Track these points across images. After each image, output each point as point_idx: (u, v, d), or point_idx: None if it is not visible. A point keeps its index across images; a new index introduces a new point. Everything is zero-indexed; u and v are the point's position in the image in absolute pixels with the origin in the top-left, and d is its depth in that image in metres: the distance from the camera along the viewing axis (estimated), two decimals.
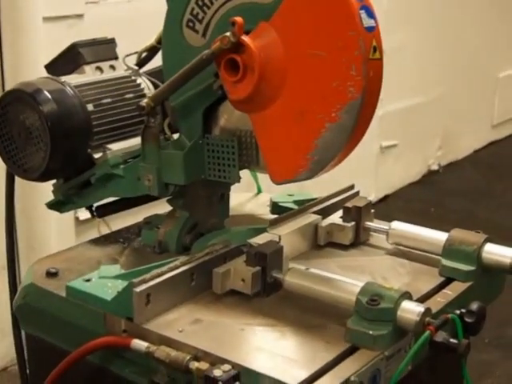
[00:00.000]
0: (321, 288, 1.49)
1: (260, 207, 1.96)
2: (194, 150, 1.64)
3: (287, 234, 1.66)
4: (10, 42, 3.42)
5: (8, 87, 3.34)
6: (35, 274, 1.68)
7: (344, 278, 1.52)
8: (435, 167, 6.22)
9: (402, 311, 1.37)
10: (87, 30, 3.37)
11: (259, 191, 2.08)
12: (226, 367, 1.30)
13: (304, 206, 1.85)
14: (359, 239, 1.79)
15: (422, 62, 5.86)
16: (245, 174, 1.95)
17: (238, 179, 1.74)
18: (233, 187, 1.91)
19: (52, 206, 1.90)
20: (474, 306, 1.53)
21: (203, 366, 1.32)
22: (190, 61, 1.58)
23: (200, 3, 1.58)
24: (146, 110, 1.63)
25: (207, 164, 1.65)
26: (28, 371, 1.87)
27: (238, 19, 1.48)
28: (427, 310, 1.39)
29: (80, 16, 3.51)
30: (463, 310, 1.52)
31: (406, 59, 5.64)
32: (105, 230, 1.91)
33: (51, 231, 3.50)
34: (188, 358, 1.35)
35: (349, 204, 1.78)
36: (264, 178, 1.90)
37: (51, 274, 1.65)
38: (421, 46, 5.80)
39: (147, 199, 1.86)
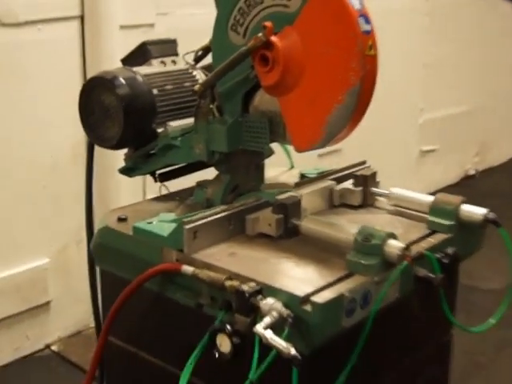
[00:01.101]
0: (329, 231, 1.79)
1: (291, 178, 2.21)
2: (235, 125, 1.92)
3: (307, 194, 1.95)
4: (91, 46, 3.68)
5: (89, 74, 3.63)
6: (108, 220, 1.96)
7: (347, 225, 1.85)
8: (472, 172, 6.40)
9: (388, 247, 1.65)
10: (157, 37, 3.70)
11: (292, 166, 2.36)
12: (252, 284, 1.58)
13: (322, 174, 2.18)
14: (366, 201, 2.05)
15: (463, 74, 6.00)
16: (281, 153, 2.29)
17: (269, 150, 2.05)
18: (271, 163, 2.21)
19: (123, 171, 2.19)
20: (449, 250, 1.82)
21: (235, 283, 1.60)
22: (232, 54, 1.85)
23: (241, 11, 1.85)
24: (198, 94, 1.97)
25: (245, 137, 1.93)
26: (101, 304, 2.13)
27: (268, 24, 1.76)
28: (407, 246, 1.69)
29: (151, 25, 3.79)
30: (441, 254, 1.83)
31: (447, 71, 5.80)
32: (164, 192, 2.23)
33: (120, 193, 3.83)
34: (224, 278, 1.63)
35: (358, 173, 2.07)
36: (296, 156, 2.22)
37: (121, 220, 1.94)
38: (462, 59, 5.95)
39: (198, 168, 2.15)
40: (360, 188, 2.05)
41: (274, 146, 2.11)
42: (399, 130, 5.58)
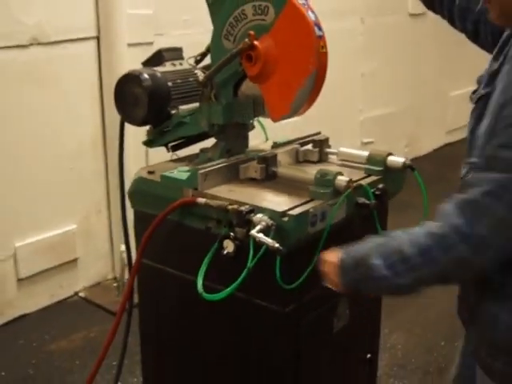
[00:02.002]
0: (298, 174, 2.23)
1: (266, 146, 2.56)
2: (228, 106, 2.31)
3: (280, 153, 2.36)
4: (106, 60, 4.00)
5: (105, 91, 4.02)
6: (141, 173, 2.34)
7: (309, 171, 2.28)
8: None
9: (337, 180, 2.06)
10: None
11: (266, 139, 2.72)
12: (246, 206, 1.99)
13: (289, 141, 2.60)
14: (322, 158, 2.44)
15: (394, 81, 6.44)
16: (259, 132, 2.70)
17: (251, 125, 2.46)
18: (252, 137, 2.58)
19: (145, 143, 2.58)
20: (380, 185, 2.22)
21: (235, 206, 2.00)
22: (225, 55, 2.24)
23: (231, 25, 2.22)
24: (202, 84, 2.39)
25: (236, 113, 2.34)
26: (134, 236, 2.46)
27: (252, 32, 2.12)
28: (350, 180, 2.12)
29: (150, 43, 4.07)
30: (374, 188, 2.24)
31: (381, 79, 6.25)
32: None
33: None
34: (227, 203, 2.04)
35: (316, 138, 2.48)
36: (270, 131, 2.67)
37: (150, 172, 2.33)
38: (393, 69, 6.38)
39: (199, 139, 2.53)
40: (317, 149, 2.45)
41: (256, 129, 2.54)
42: (344, 126, 5.97)
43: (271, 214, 1.99)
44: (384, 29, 6.20)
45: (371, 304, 2.53)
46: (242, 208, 2.01)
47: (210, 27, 2.34)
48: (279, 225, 1.97)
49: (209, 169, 2.20)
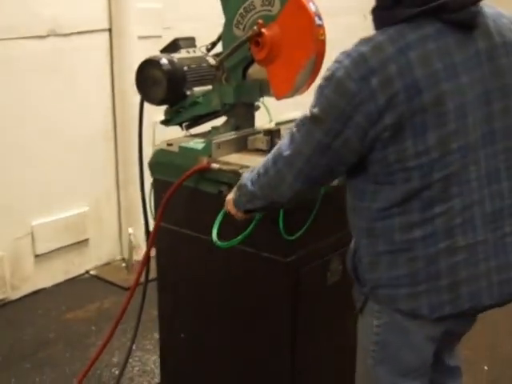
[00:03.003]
0: None
1: (271, 126, 2.94)
2: (238, 87, 2.69)
3: (283, 128, 2.74)
4: (118, 51, 4.33)
5: (116, 81, 4.36)
6: (160, 146, 2.73)
7: None
8: None
9: None
10: (163, 46, 4.40)
11: (271, 120, 3.01)
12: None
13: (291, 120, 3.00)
14: None
15: None
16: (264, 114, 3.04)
17: (257, 106, 2.82)
18: (256, 119, 2.95)
19: (162, 122, 2.95)
20: None
21: (245, 170, 2.39)
22: (236, 42, 2.60)
23: (242, 15, 2.57)
24: (215, 67, 2.76)
25: (244, 94, 2.73)
26: (153, 202, 2.82)
27: (260, 21, 2.48)
28: None
29: (159, 36, 4.31)
30: None
31: None
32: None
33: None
34: (238, 168, 2.41)
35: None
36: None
37: (169, 145, 2.70)
38: None
39: (211, 118, 2.91)
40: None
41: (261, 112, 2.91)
42: None
43: None
44: None
45: None
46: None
47: (215, 21, 2.72)
48: None
49: (221, 139, 2.60)
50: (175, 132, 2.94)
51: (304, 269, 2.54)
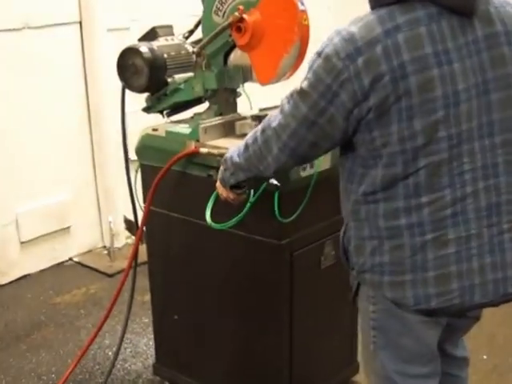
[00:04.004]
0: None
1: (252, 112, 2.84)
2: (220, 73, 2.57)
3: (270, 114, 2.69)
4: (88, 43, 4.15)
5: (88, 71, 4.20)
6: (146, 131, 2.59)
7: None
8: None
9: None
10: (130, 37, 4.18)
11: (251, 107, 2.95)
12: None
13: (275, 106, 2.87)
14: None
15: None
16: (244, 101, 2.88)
17: (239, 92, 2.70)
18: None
19: (144, 109, 2.80)
20: None
21: None
22: (216, 29, 2.48)
23: (222, 2, 2.46)
24: (196, 54, 2.63)
25: (226, 80, 2.60)
26: (141, 187, 2.69)
27: (241, 7, 2.37)
28: None
29: (127, 28, 4.22)
30: None
31: None
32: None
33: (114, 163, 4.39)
34: (226, 151, 2.34)
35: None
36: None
37: (155, 130, 2.57)
38: None
39: (191, 106, 2.78)
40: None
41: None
42: None
43: None
44: None
45: None
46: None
47: (182, 12, 2.57)
48: None
49: (208, 124, 2.47)
50: (148, 119, 2.82)
51: (298, 252, 2.44)
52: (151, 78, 2.64)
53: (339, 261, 2.09)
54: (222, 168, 2.09)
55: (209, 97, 2.70)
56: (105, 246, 4.55)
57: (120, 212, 4.38)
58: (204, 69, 2.63)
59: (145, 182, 2.68)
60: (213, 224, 2.28)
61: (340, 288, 2.28)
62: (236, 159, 1.99)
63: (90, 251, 4.49)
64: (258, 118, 2.50)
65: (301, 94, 1.76)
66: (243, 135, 2.40)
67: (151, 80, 2.65)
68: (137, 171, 2.74)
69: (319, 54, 1.73)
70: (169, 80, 2.72)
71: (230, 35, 2.48)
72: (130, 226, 4.34)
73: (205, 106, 2.75)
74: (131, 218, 4.17)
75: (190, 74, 2.72)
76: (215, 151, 2.36)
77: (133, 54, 2.66)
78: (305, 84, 1.75)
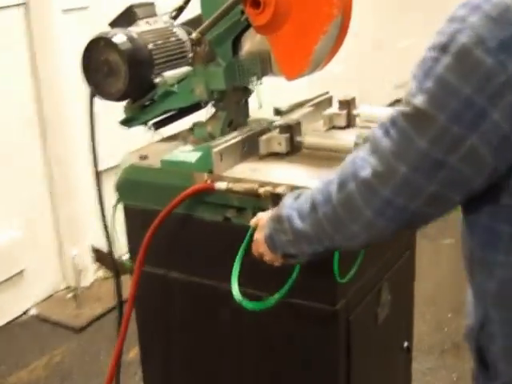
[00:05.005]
0: (330, 142, 1.97)
1: (265, 114, 2.30)
2: (229, 66, 2.04)
3: (302, 117, 2.14)
4: (37, 28, 3.66)
5: (38, 60, 3.72)
6: (131, 160, 2.02)
7: (342, 137, 2.02)
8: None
9: None
10: (89, 17, 3.73)
11: (260, 106, 2.47)
12: (283, 187, 1.72)
13: (298, 104, 2.33)
14: (350, 123, 2.15)
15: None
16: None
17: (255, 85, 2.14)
18: None
19: (123, 123, 2.28)
20: None
21: (268, 188, 1.73)
22: (221, 7, 1.96)
23: None
24: (195, 41, 2.07)
25: (239, 76, 2.06)
26: (127, 238, 2.14)
27: None
28: None
29: (86, 7, 3.81)
30: None
31: None
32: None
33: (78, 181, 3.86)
34: (256, 186, 1.76)
35: (341, 98, 2.17)
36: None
37: (143, 157, 2.02)
38: None
39: (189, 112, 2.26)
40: (344, 111, 2.16)
41: None
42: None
43: None
44: None
45: (404, 286, 2.35)
46: (280, 189, 1.73)
47: None
48: None
49: (223, 145, 1.91)
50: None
51: (354, 313, 1.94)
52: (132, 79, 2.09)
53: (394, 307, 1.91)
54: (271, 224, 1.56)
55: (215, 101, 2.14)
56: (69, 287, 4.04)
57: (86, 243, 3.88)
58: (206, 62, 2.09)
59: (131, 230, 2.13)
60: (244, 302, 1.73)
61: (396, 339, 2.08)
62: (297, 224, 1.45)
63: (50, 297, 3.95)
64: (288, 129, 1.99)
65: (414, 117, 1.21)
66: (269, 155, 1.96)
67: (132, 82, 2.09)
68: (115, 208, 2.16)
69: (444, 49, 1.18)
70: (157, 81, 2.18)
71: (243, 12, 1.99)
72: (101, 256, 3.92)
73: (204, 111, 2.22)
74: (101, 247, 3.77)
75: (186, 70, 2.17)
76: (239, 187, 1.81)
77: (105, 47, 2.10)
78: (420, 100, 1.20)
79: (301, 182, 1.77)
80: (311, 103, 2.30)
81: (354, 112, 2.20)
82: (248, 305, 1.74)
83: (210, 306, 2.03)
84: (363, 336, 2.01)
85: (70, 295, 3.94)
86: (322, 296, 1.84)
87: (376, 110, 2.21)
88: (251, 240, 1.74)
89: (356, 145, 1.83)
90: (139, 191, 2.04)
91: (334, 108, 2.22)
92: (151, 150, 2.10)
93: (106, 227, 2.22)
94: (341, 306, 1.86)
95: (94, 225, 3.76)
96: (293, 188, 1.73)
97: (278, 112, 2.32)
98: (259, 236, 1.62)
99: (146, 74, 2.15)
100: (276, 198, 1.72)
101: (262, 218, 1.64)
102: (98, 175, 2.25)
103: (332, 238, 1.40)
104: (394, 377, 2.39)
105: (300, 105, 2.30)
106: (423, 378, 2.65)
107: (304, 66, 1.96)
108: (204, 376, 2.15)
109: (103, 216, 2.23)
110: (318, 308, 1.85)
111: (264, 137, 1.97)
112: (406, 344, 2.35)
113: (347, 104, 2.18)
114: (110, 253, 2.28)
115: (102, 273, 4.03)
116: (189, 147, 2.03)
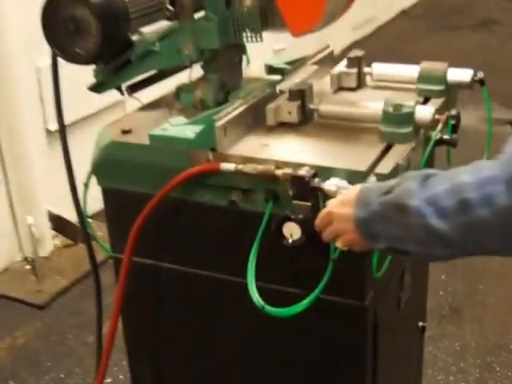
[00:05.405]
0: (350, 110, 1.63)
1: (259, 72, 1.98)
2: (223, 20, 1.68)
3: (308, 78, 1.79)
4: None
5: None
6: (111, 134, 1.67)
7: (362, 102, 1.68)
8: None
9: (419, 113, 1.52)
10: None
11: (248, 62, 2.15)
12: (306, 168, 1.40)
13: (298, 61, 1.97)
14: (361, 83, 1.84)
15: None
16: None
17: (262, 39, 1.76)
18: None
19: (93, 88, 1.91)
20: (453, 111, 1.62)
21: (287, 171, 1.42)
22: None
23: None
24: None
25: (235, 31, 1.70)
26: (107, 222, 1.80)
27: None
28: (436, 110, 1.56)
29: None
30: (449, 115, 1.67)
31: None
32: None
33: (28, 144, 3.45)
34: (273, 167, 1.44)
35: (351, 55, 1.84)
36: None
37: (126, 132, 1.66)
38: None
39: (170, 74, 1.94)
40: (355, 69, 1.84)
41: None
42: None
43: (349, 175, 1.42)
44: None
45: (421, 264, 2.10)
46: (302, 172, 1.39)
47: None
48: None
49: (227, 117, 1.55)
50: None
51: (381, 303, 1.66)
52: (105, 37, 1.70)
53: (414, 289, 1.74)
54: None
55: (206, 61, 1.77)
56: (26, 258, 3.62)
57: (42, 210, 3.50)
58: (195, 17, 1.72)
59: (112, 216, 1.79)
60: (267, 308, 1.41)
61: (414, 320, 1.90)
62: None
63: (6, 270, 3.54)
64: (299, 94, 1.63)
65: None
66: (278, 126, 1.64)
67: (105, 41, 1.71)
68: (85, 188, 1.79)
69: None
70: (134, 38, 1.81)
71: None
72: (59, 223, 3.54)
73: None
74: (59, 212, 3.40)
75: (169, 25, 1.79)
76: (252, 169, 1.48)
77: (70, 0, 1.70)
78: None
79: (326, 162, 1.47)
80: (313, 60, 1.94)
81: (365, 70, 1.85)
82: (271, 311, 1.43)
83: (212, 301, 1.72)
84: (388, 324, 1.74)
85: (27, 267, 3.55)
86: (351, 291, 1.55)
87: (389, 67, 1.87)
88: (267, 229, 1.45)
89: (386, 113, 1.50)
90: (123, 173, 1.69)
91: (341, 66, 1.86)
92: (133, 122, 1.75)
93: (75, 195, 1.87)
94: (369, 300, 1.57)
95: (49, 191, 3.45)
96: (317, 168, 1.40)
97: (272, 70, 1.97)
98: (344, 211, 1.28)
99: (121, 31, 1.77)
100: (298, 182, 1.40)
101: (346, 194, 1.32)
102: (66, 145, 1.88)
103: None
104: (409, 356, 2.17)
105: (300, 62, 1.94)
106: (425, 348, 2.40)
107: (315, 19, 1.61)
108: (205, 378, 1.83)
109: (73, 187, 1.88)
110: (346, 304, 1.56)
111: (272, 105, 1.63)
112: (421, 324, 2.11)
113: (358, 61, 1.84)
114: (84, 231, 1.92)
115: (59, 241, 3.62)
116: (181, 118, 1.66)
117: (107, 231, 1.80)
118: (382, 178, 1.36)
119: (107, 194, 1.75)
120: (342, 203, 1.30)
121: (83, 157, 1.82)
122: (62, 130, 1.89)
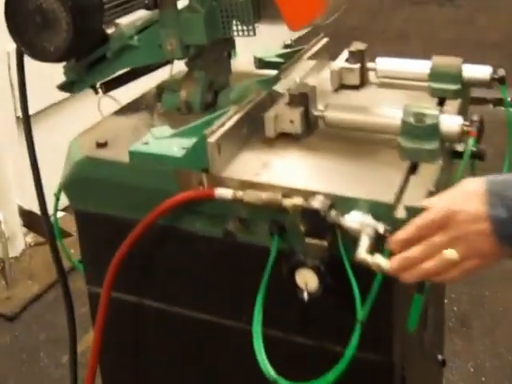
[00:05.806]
0: (363, 118, 1.35)
1: (245, 66, 1.71)
2: (210, 12, 1.42)
3: (306, 75, 1.51)
4: None
5: None
6: (84, 148, 1.39)
7: (375, 108, 1.40)
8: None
9: (445, 125, 1.24)
10: None
11: (235, 55, 1.86)
12: (320, 198, 1.13)
13: (292, 53, 1.69)
14: (364, 80, 1.56)
15: None
16: None
17: (255, 32, 1.54)
18: None
19: (63, 87, 1.63)
20: (475, 117, 1.32)
21: (297, 201, 1.15)
22: None
23: None
24: None
25: (223, 23, 1.43)
26: (81, 249, 1.52)
27: None
28: (464, 119, 1.29)
29: None
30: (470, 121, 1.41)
31: None
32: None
33: None
34: (279, 196, 1.17)
35: (352, 49, 1.55)
36: None
37: (101, 145, 1.38)
38: None
39: (147, 70, 1.66)
40: (358, 65, 1.56)
41: None
42: None
43: (374, 207, 1.14)
44: None
45: (439, 297, 1.89)
46: (316, 203, 1.12)
47: None
48: (393, 228, 1.11)
49: (221, 131, 1.27)
50: None
51: (408, 354, 1.39)
52: (77, 32, 1.43)
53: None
54: None
55: (191, 57, 1.50)
56: None
57: (14, 207, 3.15)
58: (178, 7, 1.46)
59: (86, 243, 1.51)
60: (281, 381, 1.15)
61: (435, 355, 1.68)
62: None
63: None
64: (302, 98, 1.35)
65: None
66: (278, 137, 1.36)
67: (77, 35, 1.43)
68: (56, 200, 1.53)
69: None
70: (109, 32, 1.56)
71: None
72: (31, 219, 3.20)
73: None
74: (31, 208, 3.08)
75: (149, 16, 1.53)
76: (254, 198, 1.21)
77: None
78: None
79: (343, 189, 1.19)
80: (309, 53, 1.65)
81: (369, 66, 1.58)
82: None
83: (201, 348, 1.44)
84: (414, 368, 1.48)
85: None
86: (377, 346, 1.28)
87: (396, 62, 1.59)
88: (274, 268, 1.19)
89: (406, 124, 1.24)
90: (99, 194, 1.41)
91: (341, 61, 1.58)
92: (109, 131, 1.47)
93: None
94: (397, 354, 1.31)
95: (20, 183, 3.12)
96: (334, 199, 1.14)
97: (263, 64, 1.70)
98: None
99: (95, 23, 1.49)
100: (311, 216, 1.13)
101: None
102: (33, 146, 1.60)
103: None
104: None
105: (294, 54, 1.66)
106: None
107: (315, 11, 1.34)
108: None
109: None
110: (371, 360, 1.28)
111: (271, 113, 1.35)
112: (440, 357, 1.86)
113: (360, 56, 1.56)
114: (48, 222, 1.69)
115: (30, 238, 3.30)
116: (165, 129, 1.37)
117: (82, 260, 1.52)
118: (413, 212, 1.10)
119: (81, 218, 1.47)
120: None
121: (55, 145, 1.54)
122: (27, 121, 1.61)
